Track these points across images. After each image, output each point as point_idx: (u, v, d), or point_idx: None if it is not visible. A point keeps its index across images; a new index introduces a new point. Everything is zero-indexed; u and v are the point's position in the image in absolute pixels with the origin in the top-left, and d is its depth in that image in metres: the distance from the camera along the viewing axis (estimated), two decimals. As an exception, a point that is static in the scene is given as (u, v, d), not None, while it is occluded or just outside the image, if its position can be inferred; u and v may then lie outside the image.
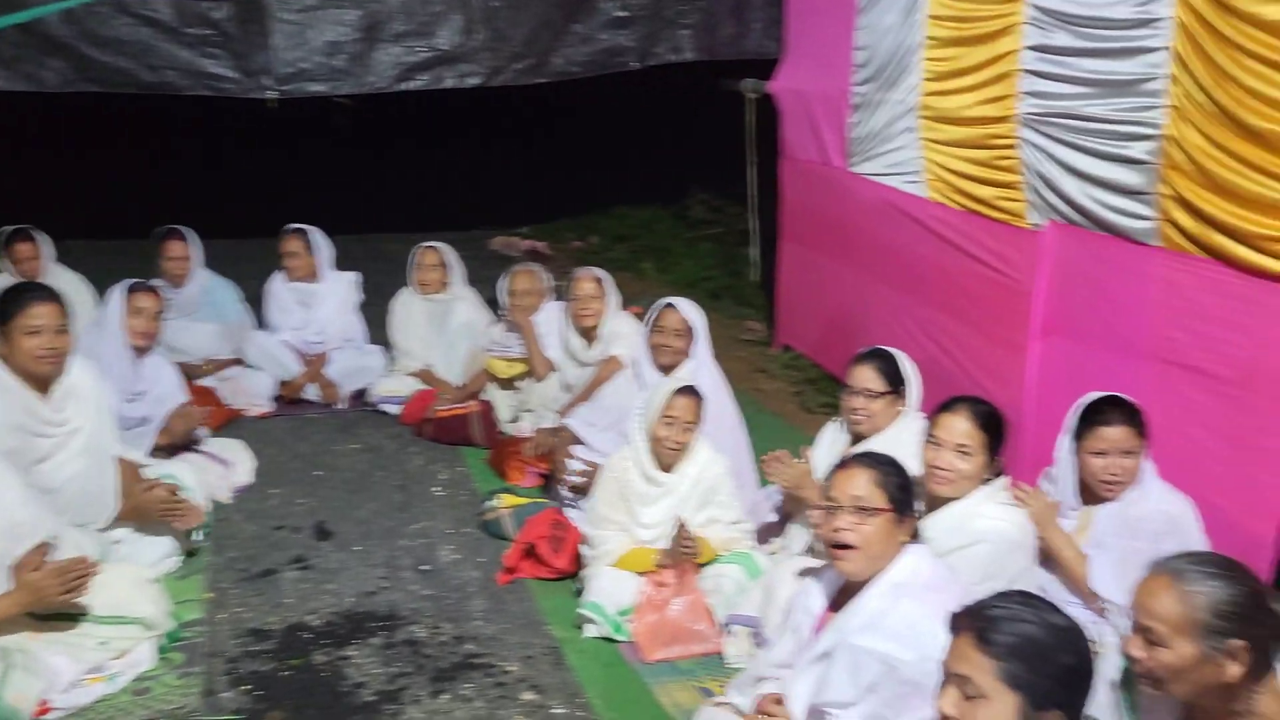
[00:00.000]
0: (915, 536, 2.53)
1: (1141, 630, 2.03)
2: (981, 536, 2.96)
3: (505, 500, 4.30)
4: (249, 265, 6.44)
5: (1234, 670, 1.97)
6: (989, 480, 3.11)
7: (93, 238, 8.08)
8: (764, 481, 4.21)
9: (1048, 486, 3.27)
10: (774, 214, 6.85)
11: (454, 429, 5.19)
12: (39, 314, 3.46)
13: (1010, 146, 4.27)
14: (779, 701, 2.41)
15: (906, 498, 2.50)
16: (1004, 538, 2.97)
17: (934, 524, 2.92)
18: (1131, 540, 2.87)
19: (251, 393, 5.43)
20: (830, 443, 3.77)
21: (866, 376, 3.58)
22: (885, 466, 2.52)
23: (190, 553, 3.95)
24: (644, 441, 3.75)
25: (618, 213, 10.42)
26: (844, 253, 5.83)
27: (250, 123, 10.71)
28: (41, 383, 3.54)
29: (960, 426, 3.07)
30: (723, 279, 8.27)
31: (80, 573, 2.98)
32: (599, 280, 4.95)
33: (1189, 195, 3.43)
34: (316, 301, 5.75)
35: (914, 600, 2.37)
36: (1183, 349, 3.57)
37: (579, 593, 3.76)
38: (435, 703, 3.18)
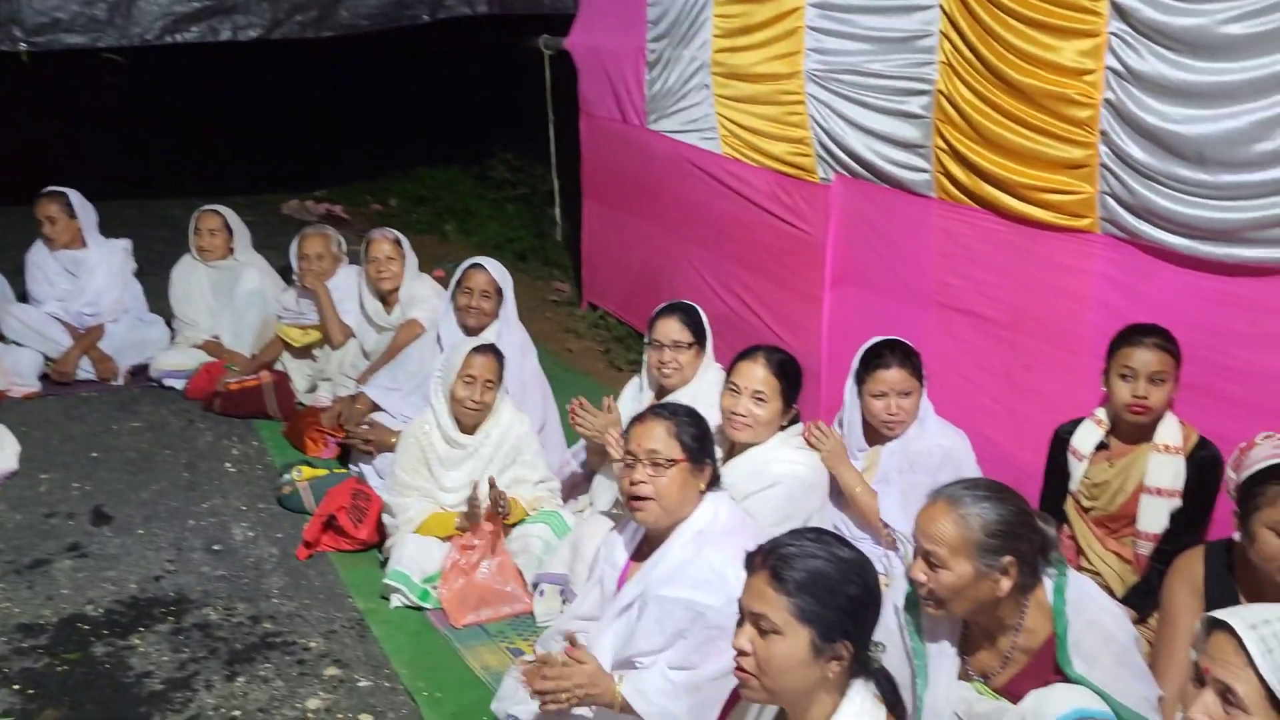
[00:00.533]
0: (715, 484, 2.57)
1: (924, 555, 2.13)
2: (778, 479, 3.05)
3: (303, 472, 4.13)
4: (8, 235, 5.91)
5: (1006, 585, 2.10)
6: (785, 427, 3.20)
7: None
8: (571, 440, 4.22)
9: (839, 429, 3.40)
10: (577, 173, 6.82)
11: (246, 402, 4.94)
12: None
13: (798, 102, 4.38)
14: (587, 653, 2.40)
15: (702, 446, 2.54)
16: (799, 480, 3.07)
17: (733, 470, 2.99)
18: (912, 474, 3.03)
19: (14, 371, 4.99)
20: (632, 399, 3.79)
21: (674, 329, 3.61)
22: (680, 417, 2.54)
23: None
24: (444, 403, 3.67)
25: (418, 174, 10.13)
26: (645, 210, 5.86)
27: (5, 78, 9.84)
28: None
29: (758, 374, 3.14)
30: (528, 240, 8.20)
31: None
32: (396, 242, 4.80)
33: (960, 148, 3.61)
34: (85, 270, 5.31)
35: (715, 546, 2.41)
36: (959, 294, 3.77)
37: (384, 563, 3.66)
38: (230, 686, 3.03)
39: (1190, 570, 2.49)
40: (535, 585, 3.46)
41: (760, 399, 3.13)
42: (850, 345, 4.25)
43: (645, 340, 3.72)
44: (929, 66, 3.70)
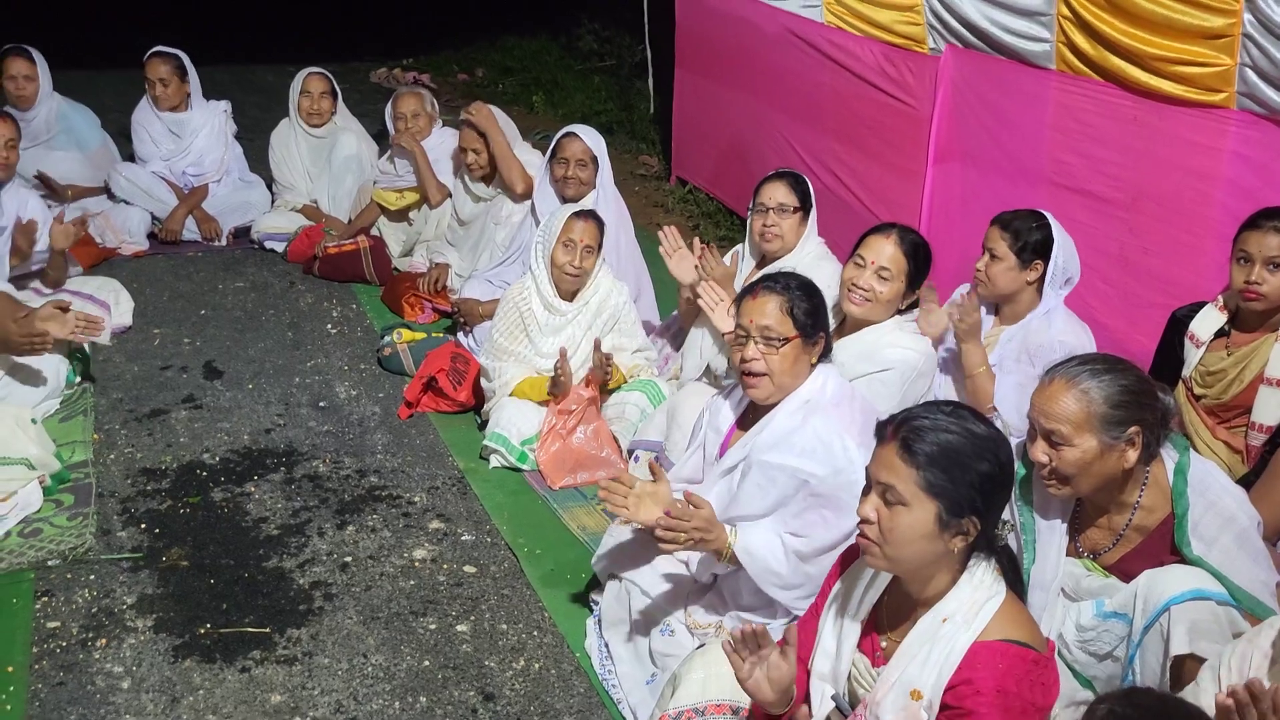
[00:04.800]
0: (825, 355, 2.56)
1: (1044, 434, 2.11)
2: (890, 364, 3.01)
3: (403, 335, 4.22)
4: (110, 98, 5.99)
5: (1132, 456, 2.08)
6: (902, 311, 3.15)
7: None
8: (664, 312, 4.23)
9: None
10: (668, 45, 6.65)
11: (344, 266, 5.02)
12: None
13: (912, -33, 4.19)
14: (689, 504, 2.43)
15: (815, 321, 2.51)
16: (910, 366, 3.03)
17: (844, 348, 2.97)
18: (1031, 367, 2.94)
19: (124, 229, 5.13)
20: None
21: (780, 192, 3.56)
22: (794, 291, 2.51)
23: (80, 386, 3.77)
24: (544, 269, 3.69)
25: (505, 44, 9.99)
26: (740, 82, 5.72)
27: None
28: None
29: (887, 250, 3.08)
30: (615, 112, 8.07)
31: None
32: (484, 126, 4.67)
33: (1087, 16, 3.43)
34: (188, 131, 5.37)
35: (821, 416, 2.41)
36: (1074, 172, 3.64)
37: (482, 425, 3.75)
38: (342, 534, 3.17)
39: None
40: (630, 452, 3.52)
41: (885, 276, 3.07)
42: (953, 224, 4.18)
43: (749, 207, 3.67)
44: (1059, -72, 3.49)
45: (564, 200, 4.16)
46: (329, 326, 4.61)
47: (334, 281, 5.02)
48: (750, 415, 2.61)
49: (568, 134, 4.18)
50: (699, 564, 2.47)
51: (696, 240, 3.68)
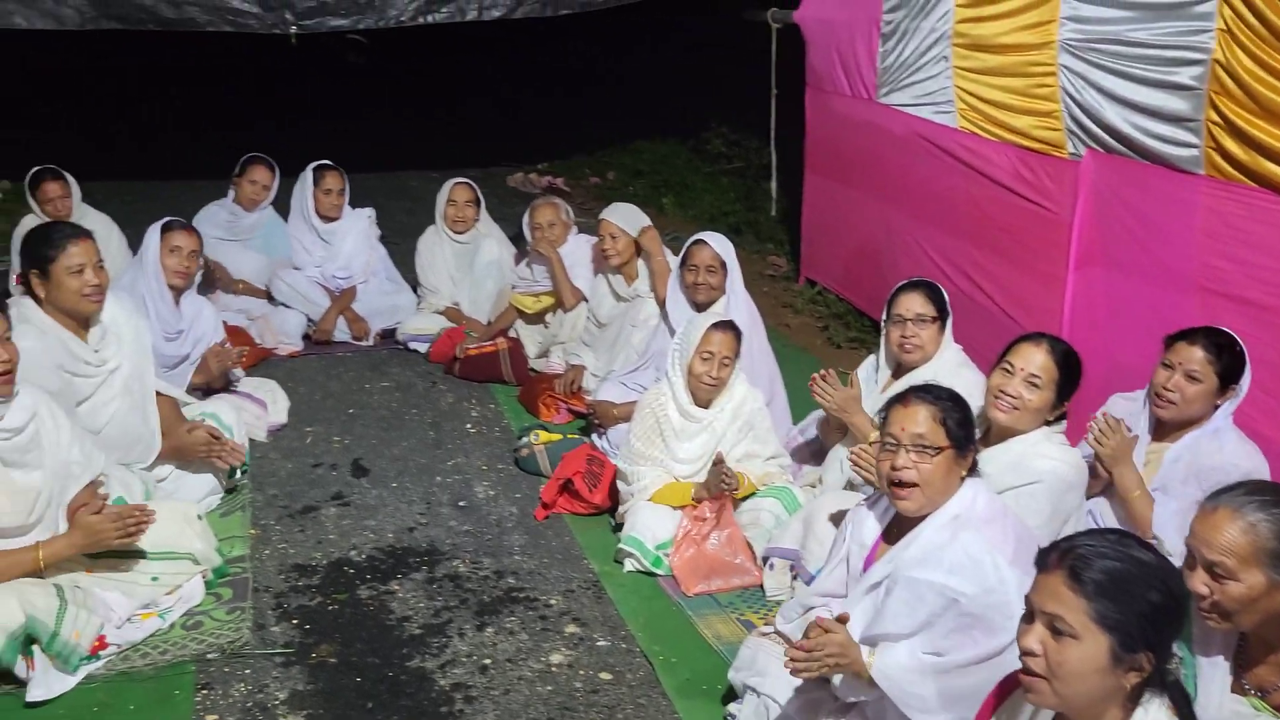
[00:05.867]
0: (973, 469, 2.52)
1: (1206, 566, 2.02)
2: (1040, 476, 2.92)
3: (540, 436, 4.32)
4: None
5: None
6: (1050, 422, 3.07)
7: (116, 179, 8.05)
8: (797, 416, 4.23)
9: (1123, 406, 3.23)
10: (795, 147, 6.76)
11: (483, 366, 5.20)
12: (78, 252, 3.45)
13: (1049, 74, 4.19)
14: (837, 623, 2.40)
15: (967, 433, 2.48)
16: (1061, 479, 2.94)
17: (990, 459, 2.91)
18: (1198, 492, 2.79)
19: (282, 331, 5.44)
20: (868, 377, 3.75)
21: (917, 303, 3.55)
22: (945, 401, 2.49)
23: (230, 490, 3.99)
24: (681, 377, 3.75)
25: (635, 148, 10.31)
26: (870, 185, 5.76)
27: (267, 60, 10.64)
28: (80, 323, 3.54)
29: (1037, 358, 3.02)
30: (743, 214, 8.21)
31: (138, 520, 2.99)
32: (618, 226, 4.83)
33: (1239, 122, 3.36)
34: (337, 237, 5.72)
35: (973, 533, 2.36)
36: (1227, 278, 3.53)
37: (617, 528, 3.79)
38: (481, 636, 3.22)
39: None
40: (765, 559, 3.50)
41: (1034, 384, 3.00)
42: (1096, 331, 4.09)
43: (884, 317, 3.68)
44: (1205, 34, 3.46)
45: (695, 305, 4.24)
46: (468, 426, 4.75)
47: (473, 381, 5.19)
48: (896, 529, 2.58)
49: (697, 241, 4.28)
50: (841, 683, 2.43)
51: (851, 374, 3.67)
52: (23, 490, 2.97)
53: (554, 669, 3.07)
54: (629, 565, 3.61)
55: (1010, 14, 4.41)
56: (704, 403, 3.75)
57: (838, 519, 3.10)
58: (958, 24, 4.78)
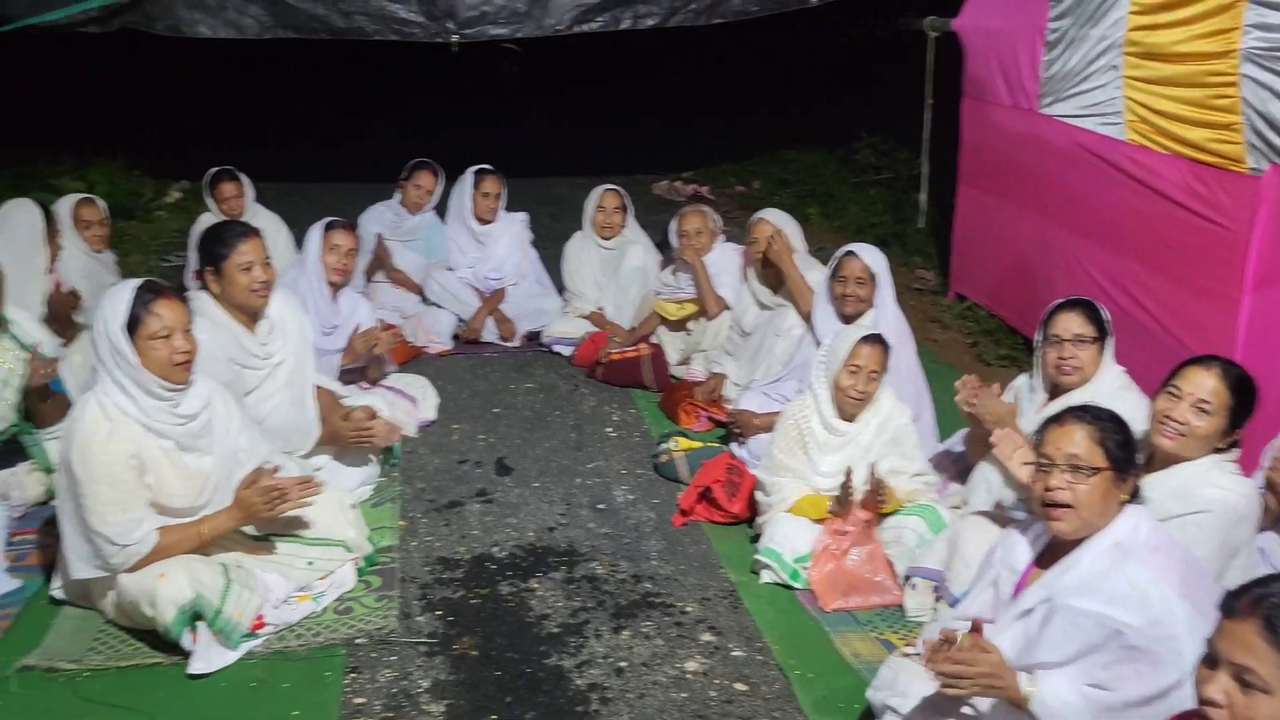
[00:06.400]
0: (1135, 495, 2.40)
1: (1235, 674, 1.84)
2: (1208, 506, 2.76)
3: (680, 443, 4.33)
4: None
5: None
6: (1221, 450, 2.90)
7: (287, 180, 8.48)
8: (945, 433, 4.12)
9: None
10: (946, 159, 6.60)
11: (625, 372, 5.25)
12: (247, 250, 3.64)
13: (1229, 84, 3.97)
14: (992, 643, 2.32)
15: (1128, 455, 2.37)
16: (1231, 509, 2.77)
17: (1155, 486, 2.76)
18: None
19: (433, 330, 5.63)
20: (1023, 398, 3.62)
21: (1076, 323, 3.41)
22: (1104, 422, 2.38)
23: (387, 463, 4.17)
24: (826, 390, 3.70)
25: (782, 157, 10.25)
26: (1028, 199, 5.57)
27: (425, 68, 11.03)
28: (250, 318, 3.73)
29: (1208, 383, 2.86)
30: (891, 225, 8.06)
31: (283, 492, 3.13)
32: (778, 228, 4.81)
33: None
34: (491, 240, 5.89)
35: (1138, 562, 2.25)
36: None
37: (755, 538, 3.76)
38: (617, 638, 3.25)
39: None
40: (907, 578, 3.41)
41: (1204, 409, 2.84)
42: (1275, 357, 3.84)
43: (1038, 337, 3.54)
44: None
45: (843, 318, 4.17)
46: (609, 430, 4.80)
47: (615, 386, 5.24)
48: (1049, 554, 2.48)
49: (848, 252, 4.22)
50: (990, 711, 2.35)
51: (995, 384, 3.57)
52: (194, 474, 3.15)
53: (689, 676, 3.07)
54: (766, 577, 3.58)
55: (1188, 21, 4.20)
56: (849, 416, 3.69)
57: (984, 540, 3.00)
58: (1130, 32, 4.58)
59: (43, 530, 3.63)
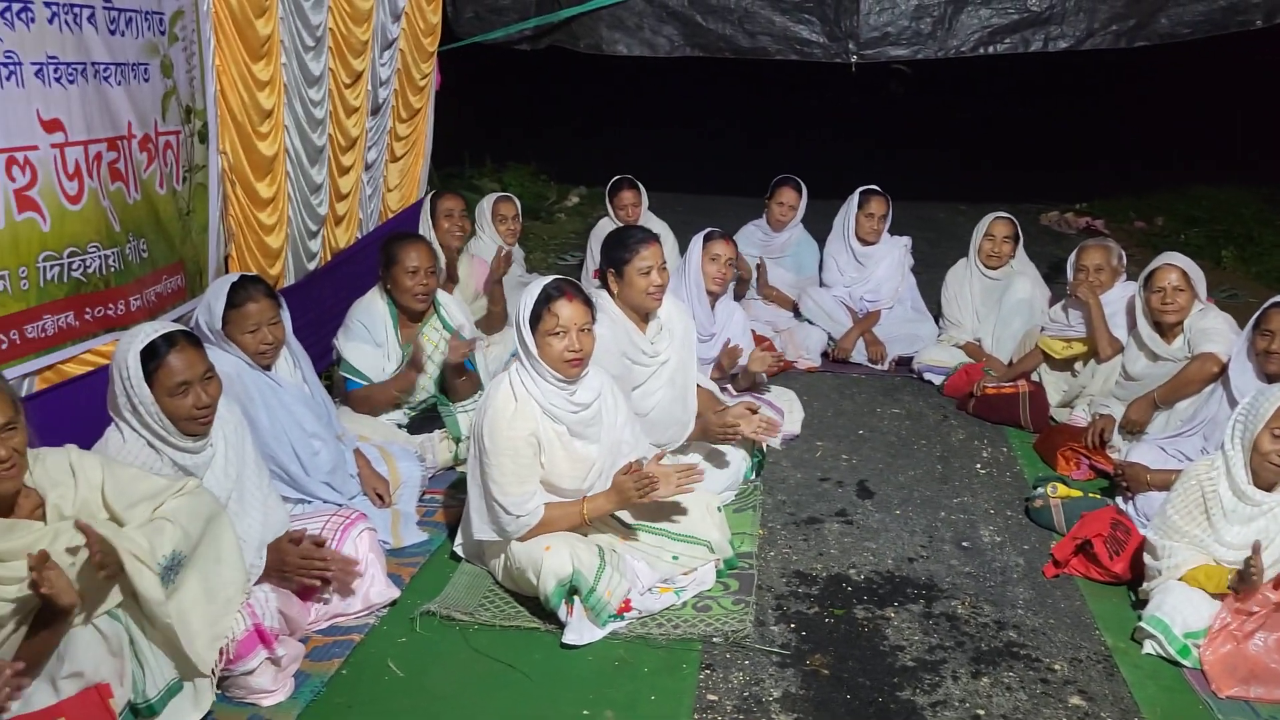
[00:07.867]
0: None
1: None
2: None
3: (1058, 489, 4.07)
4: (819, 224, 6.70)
5: None
6: None
7: (674, 190, 8.94)
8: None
9: None
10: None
11: (1000, 408, 5.01)
12: (648, 255, 3.89)
13: None
14: None
15: None
16: None
17: None
18: None
19: (804, 346, 5.69)
20: None
21: None
22: None
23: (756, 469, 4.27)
24: (1241, 452, 3.32)
25: (1192, 192, 9.34)
26: None
27: (814, 89, 11.18)
28: (642, 317, 3.97)
29: None
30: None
31: (651, 482, 3.26)
32: (1184, 273, 4.41)
33: None
34: (872, 261, 5.86)
35: None
36: None
37: (1137, 604, 3.46)
38: (976, 684, 3.10)
39: None
40: (1323, 677, 2.99)
41: None
42: None
43: None
44: None
45: (1266, 377, 3.76)
46: (978, 466, 4.61)
47: (987, 421, 5.03)
48: None
49: (1274, 305, 3.80)
50: None
51: None
52: (582, 459, 3.40)
53: (1053, 738, 2.88)
54: (1149, 648, 3.27)
55: None
56: (1267, 485, 3.29)
57: None
58: None
59: (449, 492, 4.08)
